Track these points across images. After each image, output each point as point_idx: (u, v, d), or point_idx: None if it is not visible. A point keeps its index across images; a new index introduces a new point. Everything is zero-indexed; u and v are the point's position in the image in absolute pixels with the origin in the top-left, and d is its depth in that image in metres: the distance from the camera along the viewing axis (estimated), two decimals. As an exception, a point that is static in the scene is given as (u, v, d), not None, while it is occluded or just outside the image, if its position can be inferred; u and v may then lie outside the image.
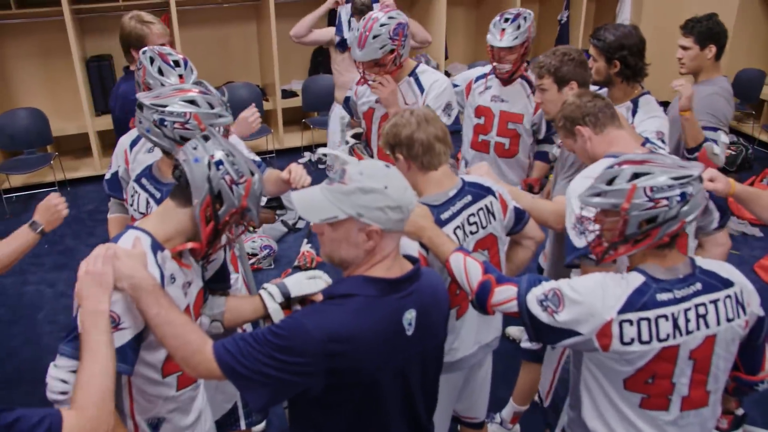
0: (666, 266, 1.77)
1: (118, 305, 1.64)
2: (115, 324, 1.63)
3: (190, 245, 1.80)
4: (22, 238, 2.33)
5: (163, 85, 2.45)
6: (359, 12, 4.22)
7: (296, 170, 2.43)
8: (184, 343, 1.63)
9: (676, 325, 1.73)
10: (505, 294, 1.87)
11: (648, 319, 1.72)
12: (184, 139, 1.86)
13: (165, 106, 2.07)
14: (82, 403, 1.49)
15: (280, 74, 6.42)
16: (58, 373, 1.62)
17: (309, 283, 2.02)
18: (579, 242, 2.15)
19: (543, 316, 1.79)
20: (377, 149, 3.26)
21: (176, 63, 2.54)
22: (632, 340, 1.73)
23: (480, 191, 2.24)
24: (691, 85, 3.41)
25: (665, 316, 1.73)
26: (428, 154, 2.13)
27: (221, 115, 2.13)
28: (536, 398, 3.13)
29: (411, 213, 1.67)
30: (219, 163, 1.73)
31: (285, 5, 6.42)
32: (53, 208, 2.38)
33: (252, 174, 1.78)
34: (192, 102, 2.10)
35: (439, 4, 6.66)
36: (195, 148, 1.74)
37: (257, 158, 2.67)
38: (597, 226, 1.86)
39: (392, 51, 3.04)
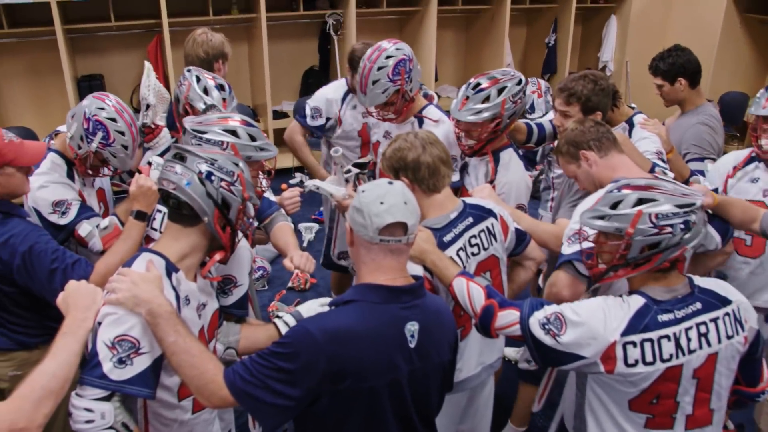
0: (665, 287, 1.82)
1: (137, 329, 1.65)
2: (135, 349, 1.64)
3: (217, 257, 1.85)
4: (134, 232, 2.31)
5: (205, 103, 2.51)
6: (353, 68, 3.86)
7: (299, 261, 2.33)
8: (200, 372, 1.65)
9: (678, 345, 1.77)
10: (508, 318, 1.90)
11: (651, 340, 1.76)
12: (225, 203, 1.79)
13: (204, 133, 2.10)
14: (17, 394, 1.51)
15: (271, 95, 6.45)
16: (82, 402, 1.61)
17: (322, 310, 2.04)
18: (568, 249, 2.16)
19: (546, 339, 1.82)
20: (380, 174, 3.28)
21: (221, 86, 2.60)
22: (636, 361, 1.76)
23: (481, 213, 2.28)
24: (676, 116, 3.52)
25: (667, 337, 1.77)
26: (434, 176, 2.17)
27: (263, 149, 2.14)
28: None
29: (378, 227, 1.66)
30: (209, 175, 1.76)
31: (277, 26, 6.49)
32: (149, 190, 2.32)
33: (238, 165, 1.82)
34: (232, 132, 2.12)
35: (429, 26, 6.76)
36: (177, 173, 1.76)
37: (273, 199, 2.70)
38: (590, 245, 1.90)
39: (397, 90, 2.93)
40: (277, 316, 2.11)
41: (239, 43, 6.65)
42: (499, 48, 7.20)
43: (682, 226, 1.74)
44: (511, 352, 3.78)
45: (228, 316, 2.14)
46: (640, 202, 1.77)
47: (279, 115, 6.84)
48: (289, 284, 4.79)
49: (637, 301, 1.80)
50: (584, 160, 2.36)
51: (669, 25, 7.51)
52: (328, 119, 3.57)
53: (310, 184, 2.83)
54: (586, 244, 1.95)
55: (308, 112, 3.60)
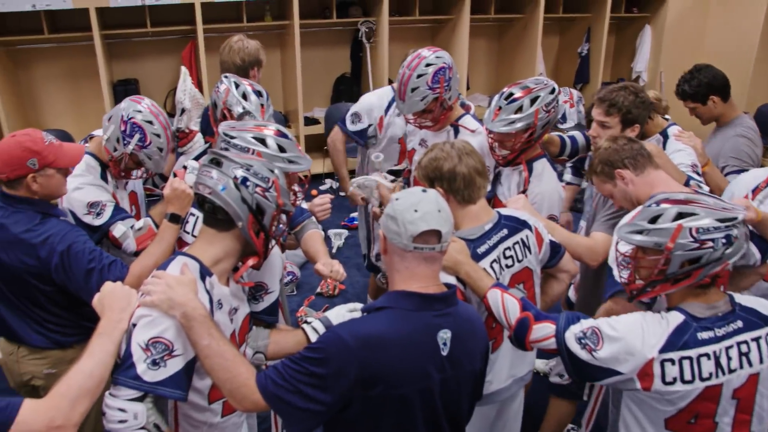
0: (705, 304, 1.78)
1: (171, 332, 1.66)
2: (169, 351, 1.65)
3: (251, 262, 1.86)
4: (168, 234, 2.34)
5: (244, 108, 2.54)
6: None
7: (330, 267, 2.36)
8: (233, 376, 1.65)
9: (718, 364, 1.73)
10: (543, 331, 1.88)
11: (690, 358, 1.72)
12: (259, 208, 1.79)
13: (234, 138, 2.11)
14: (54, 392, 1.53)
15: (303, 101, 6.49)
16: (115, 402, 1.63)
17: (351, 316, 2.04)
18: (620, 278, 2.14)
19: (582, 354, 1.80)
20: (414, 183, 3.27)
21: (259, 93, 2.63)
22: (674, 379, 1.73)
23: (516, 225, 2.26)
24: (712, 129, 3.46)
25: (707, 355, 1.73)
26: (469, 187, 2.15)
27: (292, 161, 2.11)
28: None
29: (412, 234, 1.65)
30: (245, 180, 1.77)
31: (309, 33, 6.53)
32: (183, 193, 2.35)
33: (273, 172, 1.83)
34: (261, 141, 2.11)
35: (461, 35, 6.75)
36: (212, 177, 1.77)
37: (304, 206, 2.71)
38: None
39: (436, 98, 2.94)
40: (306, 322, 2.11)
41: (272, 49, 6.70)
42: (532, 57, 7.17)
43: (723, 240, 1.70)
44: (541, 365, 3.73)
45: (258, 321, 2.14)
46: (680, 216, 1.74)
47: (310, 121, 6.87)
48: (318, 290, 4.80)
49: (676, 318, 1.76)
50: (620, 179, 2.32)
51: (705, 35, 7.40)
52: (369, 125, 3.58)
53: (355, 182, 2.84)
54: (622, 258, 1.92)
55: (348, 117, 3.63)
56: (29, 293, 2.33)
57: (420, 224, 1.65)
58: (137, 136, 2.48)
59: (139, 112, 2.50)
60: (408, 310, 1.69)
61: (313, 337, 2.04)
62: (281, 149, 2.11)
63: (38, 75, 6.10)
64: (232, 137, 2.11)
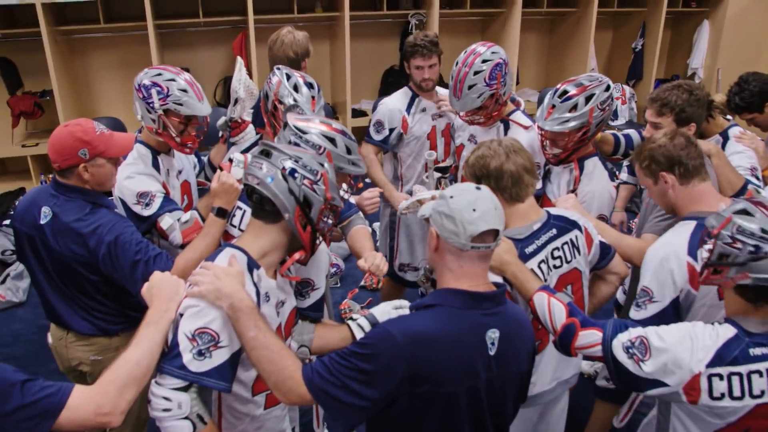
0: (761, 319, 1.70)
1: (217, 323, 1.67)
2: (215, 342, 1.66)
3: (297, 256, 1.86)
4: (214, 229, 2.34)
5: (295, 100, 2.54)
6: (406, 59, 3.59)
7: (373, 260, 2.29)
8: (279, 368, 1.65)
9: None
10: (589, 338, 1.84)
11: (740, 374, 1.66)
12: (306, 201, 1.79)
13: (305, 133, 2.12)
14: (103, 379, 1.56)
15: (351, 93, 6.49)
16: (160, 390, 1.65)
17: (396, 313, 2.03)
18: (635, 314, 2.11)
19: (629, 364, 1.75)
20: (461, 180, 3.25)
21: (310, 85, 2.63)
22: (722, 395, 1.67)
23: (566, 225, 2.21)
24: None
25: (759, 372, 1.66)
26: (517, 185, 2.11)
27: (355, 164, 2.15)
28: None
29: (472, 234, 1.63)
30: (293, 172, 1.77)
31: (359, 25, 6.52)
32: (230, 187, 2.34)
33: (322, 165, 1.82)
34: (331, 140, 2.13)
35: (512, 29, 6.66)
36: (261, 168, 1.77)
37: (352, 201, 2.70)
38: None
39: (492, 95, 2.92)
40: (352, 319, 2.11)
41: (321, 41, 6.73)
42: (584, 52, 7.03)
43: (751, 248, 1.63)
44: (586, 367, 3.67)
45: (303, 316, 2.15)
46: (742, 212, 1.69)
47: (358, 113, 6.88)
48: (362, 283, 4.81)
49: (728, 331, 1.70)
50: (663, 181, 2.22)
51: (766, 29, 7.16)
52: (391, 130, 3.52)
53: (403, 206, 2.78)
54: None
55: (372, 127, 3.58)
56: (77, 281, 2.38)
57: (480, 224, 1.62)
58: (154, 92, 2.47)
59: (145, 73, 2.52)
60: (457, 308, 1.67)
61: (359, 334, 2.04)
62: (348, 150, 2.13)
63: (93, 63, 6.25)
64: (304, 132, 2.12)
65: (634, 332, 1.78)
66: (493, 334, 1.68)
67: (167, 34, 6.30)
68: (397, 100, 3.56)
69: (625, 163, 3.68)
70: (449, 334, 1.64)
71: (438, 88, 3.56)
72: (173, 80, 2.50)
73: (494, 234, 1.66)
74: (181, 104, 2.50)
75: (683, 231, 2.10)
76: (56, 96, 5.51)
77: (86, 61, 6.21)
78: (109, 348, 2.49)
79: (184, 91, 2.50)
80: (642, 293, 2.11)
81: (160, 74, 2.51)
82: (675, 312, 2.08)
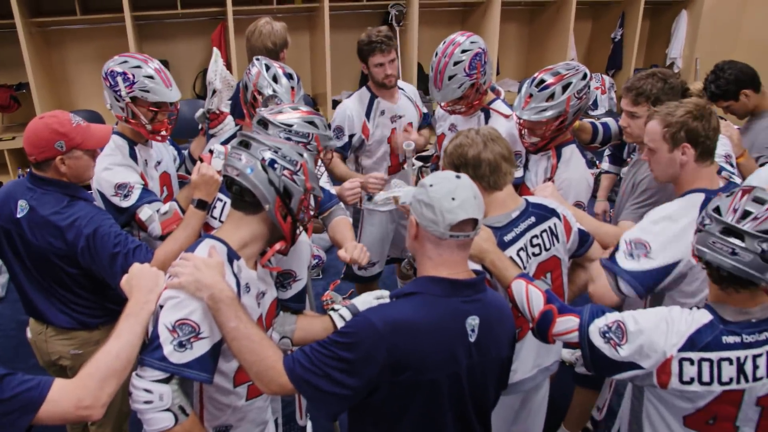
0: (738, 308, 1.70)
1: (198, 314, 1.67)
2: (195, 333, 1.66)
3: (278, 247, 1.86)
4: (194, 220, 2.33)
5: (274, 91, 2.53)
6: (363, 59, 3.46)
7: (354, 252, 2.31)
8: (260, 358, 1.65)
9: (741, 370, 1.68)
10: (566, 324, 1.85)
11: (710, 360, 1.68)
12: (286, 191, 1.79)
13: (292, 125, 2.12)
14: (83, 373, 1.55)
15: (331, 85, 6.46)
16: (141, 383, 1.64)
17: (377, 303, 2.04)
18: (625, 261, 2.11)
19: (605, 348, 1.76)
20: (441, 170, 3.24)
21: (290, 75, 2.62)
22: (692, 379, 1.69)
23: (544, 213, 2.23)
24: (747, 120, 3.38)
25: (729, 360, 1.68)
26: (495, 174, 2.12)
27: (331, 138, 2.19)
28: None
29: (450, 223, 1.63)
30: (272, 162, 1.77)
31: (338, 16, 6.49)
32: (210, 179, 2.33)
33: (302, 155, 1.82)
34: (311, 123, 2.15)
35: (492, 19, 6.66)
36: (240, 159, 1.77)
37: (333, 191, 2.70)
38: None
39: (473, 84, 2.93)
40: (333, 309, 2.11)
41: (301, 32, 6.68)
42: (563, 42, 7.05)
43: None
44: (567, 354, 3.70)
45: (285, 308, 2.15)
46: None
47: (338, 104, 6.82)
48: (343, 275, 4.80)
49: (703, 317, 1.71)
50: (681, 153, 2.15)
51: (743, 22, 7.23)
52: (351, 136, 3.46)
53: (380, 198, 2.77)
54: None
55: (331, 133, 3.50)
56: (56, 275, 2.36)
57: (459, 213, 1.63)
58: (119, 79, 2.45)
59: (112, 61, 2.51)
60: (437, 296, 1.68)
61: (340, 324, 2.05)
62: (327, 127, 2.17)
63: (70, 56, 6.15)
64: (290, 125, 2.12)
65: (610, 317, 1.79)
66: (473, 321, 1.69)
67: (145, 25, 6.21)
68: (356, 103, 3.49)
69: (607, 152, 3.70)
70: (430, 321, 1.65)
71: (399, 83, 3.54)
72: (139, 67, 2.48)
73: (473, 223, 1.67)
74: (147, 91, 2.48)
75: (693, 201, 2.10)
76: (32, 89, 5.42)
77: (63, 53, 6.12)
78: (90, 342, 2.48)
79: (151, 77, 2.49)
80: (639, 245, 2.10)
81: (126, 62, 2.49)
82: (660, 279, 2.09)
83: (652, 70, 2.67)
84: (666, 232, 2.09)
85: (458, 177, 1.70)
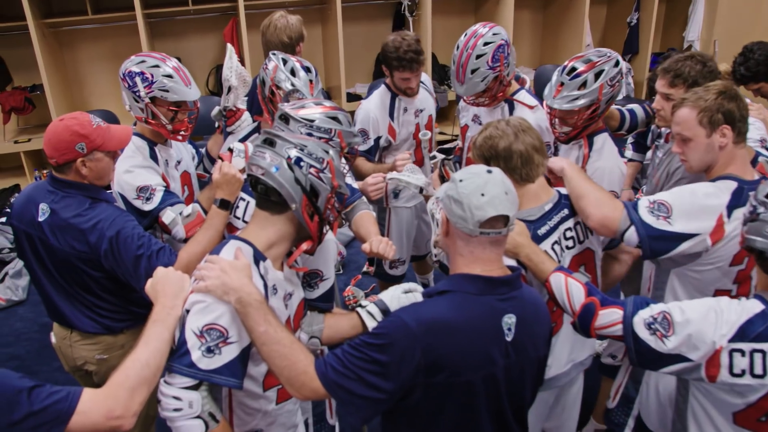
0: None
1: (225, 318, 1.62)
2: (224, 338, 1.62)
3: (305, 247, 1.81)
4: (217, 221, 2.27)
5: (293, 85, 2.46)
6: (388, 65, 3.32)
7: (379, 246, 2.23)
8: (291, 363, 1.61)
9: None
10: (610, 317, 1.79)
11: (763, 352, 1.61)
12: (313, 190, 1.73)
13: (313, 121, 2.07)
14: (112, 382, 1.52)
15: (345, 77, 6.40)
16: (170, 390, 1.60)
17: (407, 297, 1.98)
18: (645, 214, 2.05)
19: (651, 340, 1.70)
20: (466, 162, 3.20)
21: (307, 69, 2.55)
22: (743, 371, 1.62)
23: None
24: None
25: None
26: (527, 165, 2.06)
27: (356, 135, 2.12)
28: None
29: (480, 220, 1.58)
30: (299, 160, 1.71)
31: (351, 8, 6.43)
32: (232, 178, 2.26)
33: (327, 152, 1.77)
34: (335, 119, 2.09)
35: (506, 7, 6.55)
36: (265, 158, 1.72)
37: (355, 186, 2.65)
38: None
39: (496, 77, 2.86)
40: (360, 305, 2.06)
41: (313, 25, 6.61)
42: (579, 28, 6.94)
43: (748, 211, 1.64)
44: (595, 345, 3.64)
45: (311, 308, 2.10)
46: None
47: (353, 97, 6.79)
48: (365, 269, 4.76)
49: (755, 306, 1.64)
50: (721, 136, 2.08)
51: (762, 2, 7.08)
52: (377, 139, 3.36)
53: (390, 177, 2.74)
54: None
55: None
56: (79, 278, 2.33)
57: (488, 209, 1.57)
58: (138, 80, 2.42)
59: (130, 61, 2.47)
60: (472, 294, 1.63)
61: (369, 321, 1.99)
62: (350, 123, 2.11)
63: (83, 56, 6.14)
64: (312, 120, 2.07)
65: (656, 308, 1.73)
66: (509, 320, 1.64)
67: (156, 23, 6.19)
68: (377, 103, 3.38)
69: (630, 139, 3.62)
70: (465, 320, 1.60)
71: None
72: (158, 66, 2.44)
73: (504, 220, 1.61)
74: (167, 90, 2.44)
75: (727, 185, 2.04)
76: (47, 90, 5.40)
77: (75, 53, 6.10)
78: (115, 346, 2.45)
79: (170, 76, 2.45)
80: (661, 207, 2.04)
81: (144, 61, 2.45)
82: (670, 248, 2.05)
83: (691, 52, 2.60)
84: (693, 203, 2.04)
85: (489, 172, 1.64)
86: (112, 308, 2.42)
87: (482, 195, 1.58)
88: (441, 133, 6.54)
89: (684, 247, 2.03)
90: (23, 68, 5.78)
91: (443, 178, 3.19)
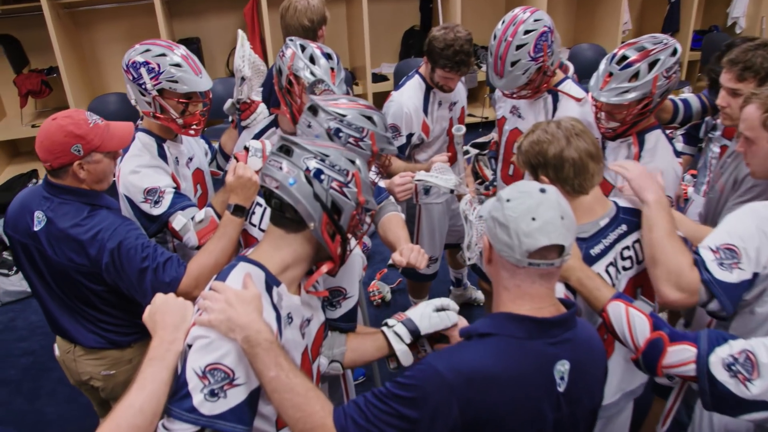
0: None
1: (231, 357, 1.42)
2: (229, 380, 1.41)
3: (324, 269, 1.59)
4: (231, 229, 2.06)
5: (312, 74, 2.23)
6: (432, 60, 3.03)
7: (409, 255, 2.05)
8: (306, 414, 1.41)
9: None
10: (681, 355, 1.55)
11: None
12: (335, 207, 1.52)
13: (344, 116, 1.85)
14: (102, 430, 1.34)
15: (370, 57, 6.17)
16: None
17: (439, 316, 1.75)
18: (719, 272, 1.72)
19: (731, 384, 1.47)
20: (502, 163, 2.95)
21: (328, 56, 2.30)
22: None
23: (637, 219, 1.90)
24: None
25: None
26: (580, 175, 1.79)
27: (391, 143, 1.91)
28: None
29: (528, 249, 1.35)
30: (318, 173, 1.49)
31: (376, -15, 6.18)
32: (248, 181, 2.04)
33: (353, 163, 1.54)
34: (369, 119, 1.87)
35: (541, -16, 6.25)
36: (281, 168, 1.50)
37: (382, 184, 2.43)
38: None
39: (539, 69, 2.59)
40: (387, 325, 1.83)
41: (337, 3, 6.38)
42: (616, 4, 6.60)
43: None
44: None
45: (333, 328, 1.89)
46: None
47: (378, 78, 6.55)
48: (390, 261, 4.53)
49: None
50: None
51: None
52: (409, 135, 3.08)
53: (418, 178, 2.50)
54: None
55: None
56: (79, 292, 2.13)
57: (539, 238, 1.34)
58: (144, 70, 2.21)
59: (133, 50, 2.26)
60: (518, 338, 1.39)
61: (396, 344, 1.78)
62: (385, 128, 1.88)
63: (99, 37, 6.01)
64: (344, 115, 1.85)
65: (736, 346, 1.49)
66: (562, 367, 1.40)
67: (174, 2, 6.02)
68: (411, 97, 3.07)
69: (680, 131, 3.32)
70: (510, 370, 1.37)
71: None
72: (164, 55, 2.23)
73: (558, 250, 1.37)
74: (176, 81, 2.23)
75: None
76: (62, 73, 5.28)
77: (91, 35, 5.96)
78: (122, 361, 2.27)
79: (178, 65, 2.23)
80: (728, 253, 1.72)
81: (148, 50, 2.24)
82: (745, 292, 1.74)
83: (762, 39, 2.29)
84: (759, 228, 1.73)
85: (543, 191, 1.39)
86: (117, 322, 2.23)
87: (533, 219, 1.34)
88: (470, 115, 6.28)
89: (757, 287, 1.75)
90: (39, 50, 5.66)
91: (477, 175, 2.95)
